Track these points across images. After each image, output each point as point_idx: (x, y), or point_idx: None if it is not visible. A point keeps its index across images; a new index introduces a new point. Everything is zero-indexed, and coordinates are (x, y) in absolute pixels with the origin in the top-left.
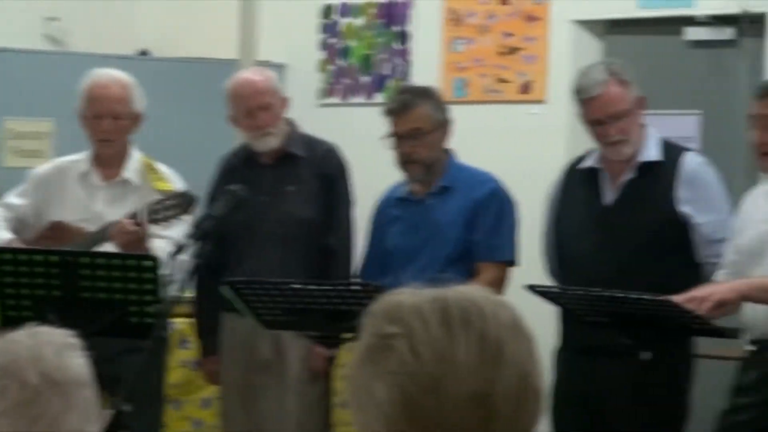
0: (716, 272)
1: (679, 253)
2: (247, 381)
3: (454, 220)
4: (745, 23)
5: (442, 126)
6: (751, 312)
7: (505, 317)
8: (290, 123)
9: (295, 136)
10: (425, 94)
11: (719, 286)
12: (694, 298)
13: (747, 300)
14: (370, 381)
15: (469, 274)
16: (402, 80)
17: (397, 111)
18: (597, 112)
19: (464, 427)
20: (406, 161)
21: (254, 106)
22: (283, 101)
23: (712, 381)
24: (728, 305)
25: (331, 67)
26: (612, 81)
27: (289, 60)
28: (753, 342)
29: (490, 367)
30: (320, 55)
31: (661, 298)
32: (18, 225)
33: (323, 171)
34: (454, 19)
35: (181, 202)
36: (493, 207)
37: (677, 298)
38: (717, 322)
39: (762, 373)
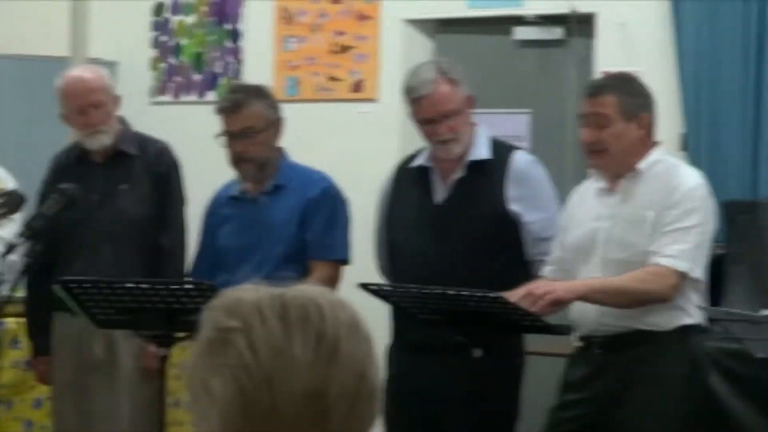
0: (542, 268)
1: (509, 251)
2: (79, 381)
3: (287, 219)
4: (574, 23)
5: (275, 125)
6: (580, 309)
7: (344, 317)
8: (122, 121)
9: (127, 134)
10: (258, 92)
11: (556, 285)
12: (529, 296)
13: (584, 300)
14: (208, 375)
15: (304, 272)
16: (234, 79)
17: (229, 109)
18: (427, 111)
19: (299, 424)
20: (238, 160)
21: (86, 104)
22: (115, 99)
23: (542, 377)
24: (563, 305)
25: (162, 65)
26: (441, 80)
27: (121, 58)
28: (581, 338)
29: (326, 365)
30: (152, 53)
31: (492, 294)
32: None
33: (156, 170)
34: (286, 17)
35: (8, 201)
36: (325, 206)
37: (511, 295)
38: (546, 318)
39: (589, 370)
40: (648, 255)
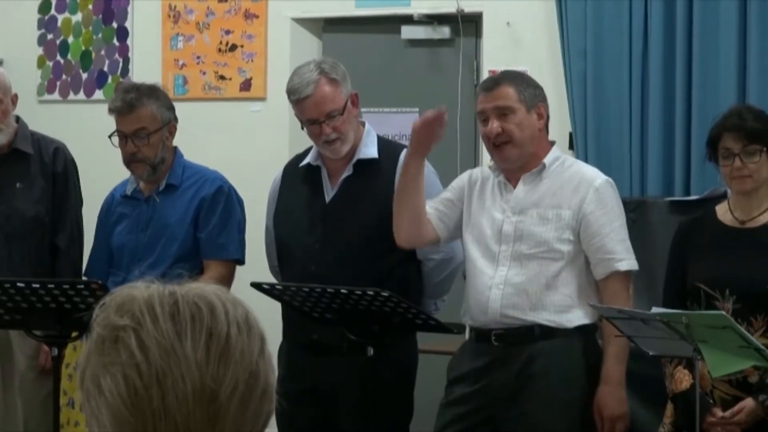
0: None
1: (400, 249)
2: None
3: (181, 218)
4: (461, 22)
5: (168, 125)
6: (479, 302)
7: (236, 315)
8: (19, 120)
9: (23, 133)
10: (151, 92)
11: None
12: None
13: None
14: (99, 373)
15: (198, 271)
16: (122, 77)
17: (122, 110)
18: (309, 112)
19: (190, 423)
20: (131, 160)
21: None
22: (14, 97)
23: (434, 376)
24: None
25: (49, 64)
26: (323, 80)
27: (7, 55)
28: (475, 330)
29: (217, 364)
30: (39, 51)
31: (383, 293)
32: None
33: (51, 169)
34: (173, 15)
35: None
36: (219, 205)
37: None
38: (438, 316)
39: (485, 361)
40: (602, 262)
